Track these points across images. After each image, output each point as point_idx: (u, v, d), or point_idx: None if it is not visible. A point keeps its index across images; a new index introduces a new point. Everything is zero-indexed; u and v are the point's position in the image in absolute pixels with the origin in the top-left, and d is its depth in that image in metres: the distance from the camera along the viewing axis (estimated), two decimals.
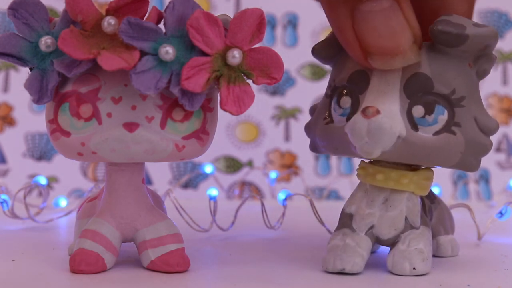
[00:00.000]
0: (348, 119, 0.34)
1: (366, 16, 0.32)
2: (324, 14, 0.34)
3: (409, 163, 0.34)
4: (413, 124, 0.33)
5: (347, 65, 0.35)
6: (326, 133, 0.36)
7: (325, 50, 0.37)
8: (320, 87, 0.71)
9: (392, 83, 0.33)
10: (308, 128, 0.38)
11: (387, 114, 0.32)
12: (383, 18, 0.32)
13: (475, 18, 0.78)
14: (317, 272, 0.35)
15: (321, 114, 0.36)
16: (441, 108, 0.33)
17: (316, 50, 0.37)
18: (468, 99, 0.34)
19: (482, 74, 0.35)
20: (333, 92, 0.36)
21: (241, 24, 0.32)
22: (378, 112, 0.32)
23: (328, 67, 0.41)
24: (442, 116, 0.33)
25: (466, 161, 0.34)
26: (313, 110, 0.38)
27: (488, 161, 0.77)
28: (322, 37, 0.72)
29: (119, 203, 0.35)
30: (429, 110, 0.33)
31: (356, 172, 0.36)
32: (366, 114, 0.32)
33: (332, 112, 0.35)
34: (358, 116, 0.33)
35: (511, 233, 0.50)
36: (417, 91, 0.33)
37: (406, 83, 0.33)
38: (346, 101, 0.35)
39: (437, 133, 0.33)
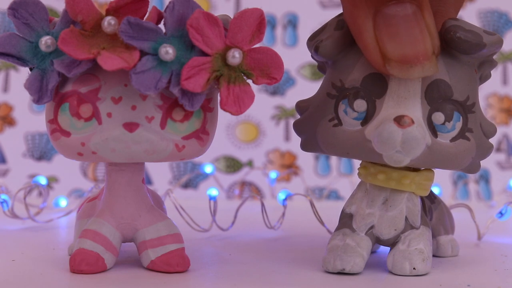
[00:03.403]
0: (363, 124, 0.33)
1: (389, 20, 0.31)
2: (345, 14, 0.33)
3: (427, 168, 0.35)
4: (433, 130, 0.33)
5: (357, 66, 0.34)
6: (333, 136, 0.34)
7: (332, 48, 0.34)
8: None
9: (412, 89, 0.33)
10: (300, 126, 0.36)
11: (417, 123, 0.32)
12: (406, 25, 0.31)
13: (475, 18, 0.78)
14: (317, 272, 0.35)
15: (323, 114, 0.35)
16: (458, 114, 0.34)
17: (322, 49, 0.34)
18: (476, 105, 0.34)
19: (485, 78, 0.36)
20: (341, 93, 0.34)
21: (241, 24, 0.32)
22: (413, 122, 0.32)
23: None
24: (458, 122, 0.34)
25: (474, 164, 0.36)
26: (303, 108, 0.37)
27: (488, 161, 0.77)
28: None
29: (119, 203, 0.35)
30: (449, 117, 0.33)
31: (357, 172, 0.36)
32: (401, 124, 0.32)
33: (341, 114, 0.34)
34: (391, 125, 0.32)
35: (511, 233, 0.50)
36: (438, 98, 0.33)
37: (427, 89, 0.33)
38: (361, 104, 0.33)
39: (453, 139, 0.34)
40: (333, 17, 0.35)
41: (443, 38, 0.33)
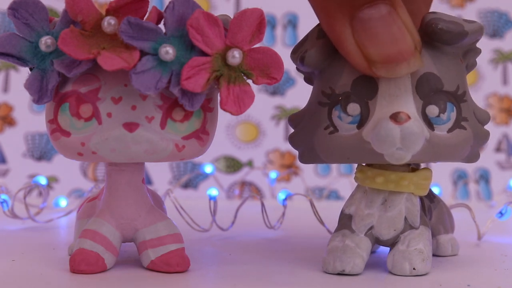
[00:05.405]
0: (359, 127, 0.33)
1: (366, 24, 0.31)
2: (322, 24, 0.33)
3: (429, 162, 0.35)
4: (429, 124, 0.33)
5: (345, 71, 0.34)
6: (331, 144, 0.34)
7: (317, 57, 0.34)
8: None
9: (403, 86, 0.33)
10: (296, 139, 0.36)
11: (413, 118, 0.32)
12: (383, 25, 0.31)
13: (475, 18, 0.78)
14: (317, 272, 0.35)
15: (317, 123, 0.35)
16: (451, 105, 0.34)
17: (308, 58, 0.34)
18: (467, 94, 0.35)
19: (471, 67, 0.36)
20: (333, 100, 0.34)
21: (241, 24, 0.32)
22: (409, 117, 0.32)
23: None
24: (452, 113, 0.34)
25: (473, 153, 0.36)
26: (296, 121, 0.37)
27: (488, 161, 0.77)
28: None
29: (119, 203, 0.35)
30: (442, 109, 0.33)
31: (354, 176, 0.36)
32: (398, 120, 0.32)
33: (336, 121, 0.34)
34: (388, 123, 0.32)
35: (511, 233, 0.50)
36: (429, 91, 0.33)
37: (418, 84, 0.33)
38: (354, 108, 0.33)
39: (450, 130, 0.34)
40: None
41: (425, 32, 0.33)
